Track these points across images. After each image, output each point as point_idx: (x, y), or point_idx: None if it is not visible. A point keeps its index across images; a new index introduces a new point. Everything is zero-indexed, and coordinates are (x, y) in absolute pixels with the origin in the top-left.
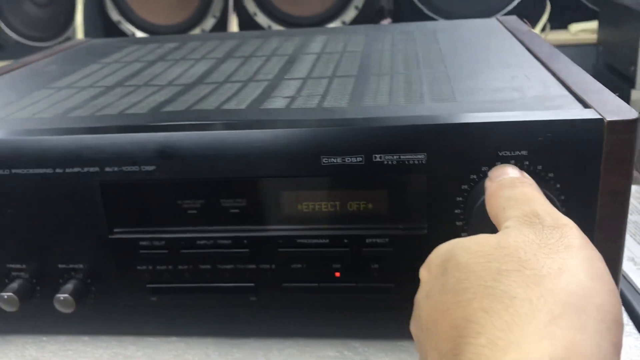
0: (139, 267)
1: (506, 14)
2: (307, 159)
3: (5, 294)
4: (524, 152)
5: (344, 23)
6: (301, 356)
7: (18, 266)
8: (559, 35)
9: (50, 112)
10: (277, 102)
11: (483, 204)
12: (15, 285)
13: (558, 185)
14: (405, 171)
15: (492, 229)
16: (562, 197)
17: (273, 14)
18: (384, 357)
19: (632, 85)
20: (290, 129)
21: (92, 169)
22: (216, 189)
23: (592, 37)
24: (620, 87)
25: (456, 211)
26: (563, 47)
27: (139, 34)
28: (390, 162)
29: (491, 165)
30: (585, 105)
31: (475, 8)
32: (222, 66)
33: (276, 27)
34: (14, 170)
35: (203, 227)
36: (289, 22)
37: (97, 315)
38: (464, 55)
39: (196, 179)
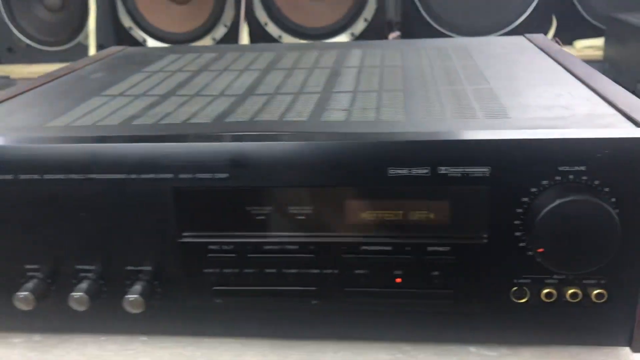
0: (206, 270)
1: (513, 30)
2: (374, 169)
3: (76, 294)
4: (582, 168)
5: (352, 35)
6: (355, 358)
7: (86, 267)
8: None
9: (113, 120)
10: (336, 115)
11: (544, 218)
12: (84, 285)
13: (613, 199)
14: (469, 183)
15: (551, 241)
16: (617, 210)
17: (284, 24)
18: (436, 359)
19: None
20: (358, 141)
21: (166, 176)
22: (285, 197)
23: (598, 54)
24: None
25: (516, 222)
26: None
27: (150, 40)
28: (455, 175)
29: (551, 179)
30: (637, 124)
31: (483, 23)
32: (267, 78)
33: (286, 37)
34: (89, 175)
35: (270, 233)
36: (300, 32)
37: (160, 316)
38: (503, 72)
39: (266, 187)
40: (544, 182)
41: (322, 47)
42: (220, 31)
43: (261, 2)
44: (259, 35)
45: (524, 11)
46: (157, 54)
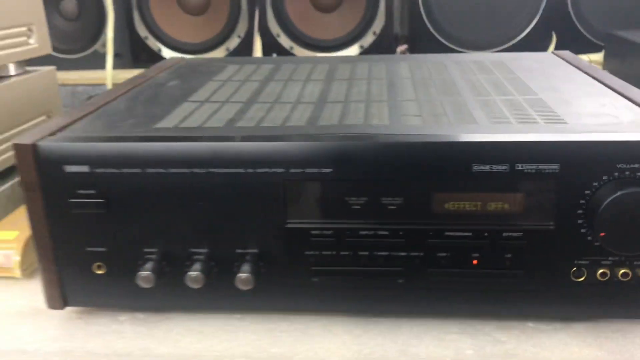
0: (307, 252)
1: (515, 44)
2: (461, 166)
3: (193, 273)
4: (636, 165)
5: (362, 47)
6: (430, 332)
7: (200, 250)
8: None
9: (215, 123)
10: (414, 120)
11: (607, 207)
12: (198, 266)
13: None
14: (541, 178)
15: (611, 226)
16: None
17: (295, 36)
18: (501, 333)
19: None
20: (447, 141)
21: (278, 170)
22: (379, 188)
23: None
24: None
25: (579, 211)
26: None
27: (165, 50)
28: (529, 170)
29: (610, 175)
30: None
31: (486, 38)
32: (333, 87)
33: (298, 48)
34: (210, 170)
35: (365, 220)
36: (311, 44)
37: (262, 295)
38: (546, 84)
39: (363, 180)
40: (605, 177)
41: (371, 60)
42: (234, 42)
43: (274, 14)
44: (271, 46)
45: (526, 27)
46: (218, 64)
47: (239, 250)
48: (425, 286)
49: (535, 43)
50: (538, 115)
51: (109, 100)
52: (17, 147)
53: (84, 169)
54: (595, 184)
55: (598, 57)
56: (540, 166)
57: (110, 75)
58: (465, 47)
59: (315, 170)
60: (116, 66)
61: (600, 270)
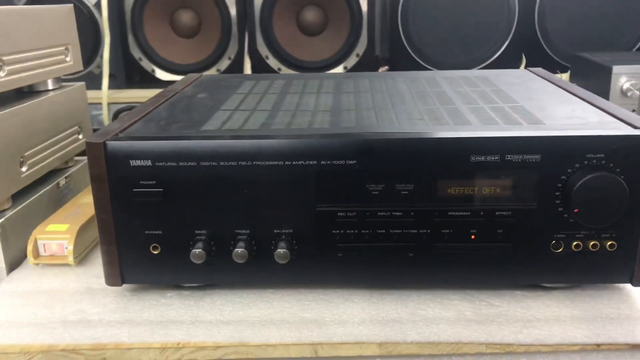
0: (333, 231)
1: (487, 65)
2: (461, 157)
3: (239, 250)
4: (602, 155)
5: (345, 68)
6: (435, 299)
7: (243, 231)
8: None
9: (252, 125)
10: (419, 122)
11: (579, 188)
12: (242, 244)
13: (622, 177)
14: (525, 166)
15: (583, 204)
16: (625, 185)
17: (283, 57)
18: (495, 299)
19: None
20: (450, 138)
21: (311, 162)
22: (394, 177)
23: None
24: None
25: (556, 193)
26: None
27: (159, 71)
28: (516, 160)
29: (581, 163)
30: (635, 127)
31: (461, 59)
32: (343, 97)
33: (285, 70)
34: (254, 162)
35: (383, 203)
36: (297, 65)
37: (295, 269)
38: (525, 95)
39: (381, 170)
40: (577, 165)
41: (372, 76)
42: (224, 63)
43: (263, 37)
44: (260, 67)
45: (498, 50)
46: (237, 80)
47: (276, 231)
48: (432, 258)
49: (506, 64)
50: (521, 118)
51: (150, 110)
52: (90, 145)
53: (147, 163)
54: (569, 170)
55: (565, 77)
56: (524, 157)
57: (105, 94)
58: (442, 68)
59: (341, 162)
60: (110, 86)
61: (575, 243)
